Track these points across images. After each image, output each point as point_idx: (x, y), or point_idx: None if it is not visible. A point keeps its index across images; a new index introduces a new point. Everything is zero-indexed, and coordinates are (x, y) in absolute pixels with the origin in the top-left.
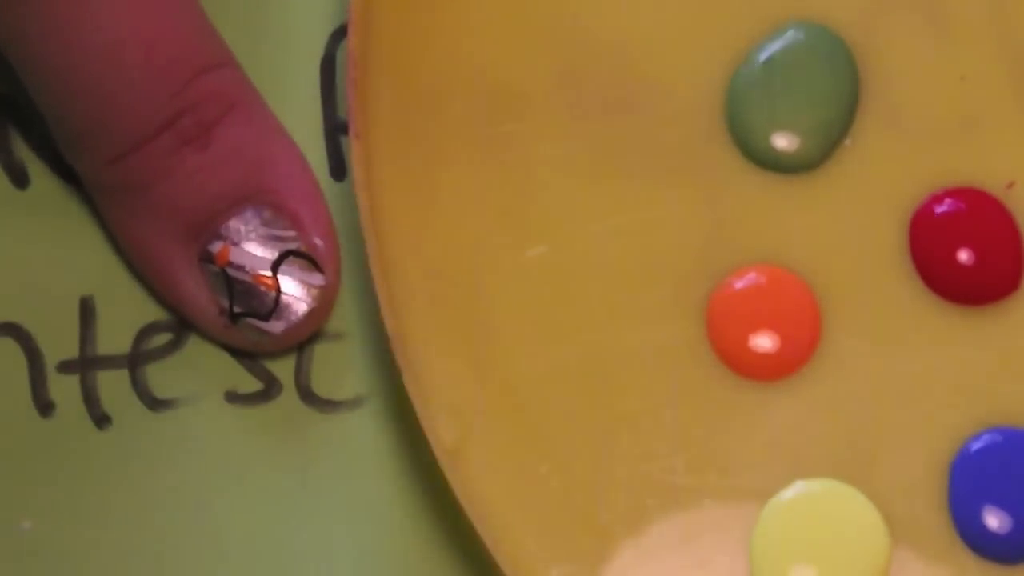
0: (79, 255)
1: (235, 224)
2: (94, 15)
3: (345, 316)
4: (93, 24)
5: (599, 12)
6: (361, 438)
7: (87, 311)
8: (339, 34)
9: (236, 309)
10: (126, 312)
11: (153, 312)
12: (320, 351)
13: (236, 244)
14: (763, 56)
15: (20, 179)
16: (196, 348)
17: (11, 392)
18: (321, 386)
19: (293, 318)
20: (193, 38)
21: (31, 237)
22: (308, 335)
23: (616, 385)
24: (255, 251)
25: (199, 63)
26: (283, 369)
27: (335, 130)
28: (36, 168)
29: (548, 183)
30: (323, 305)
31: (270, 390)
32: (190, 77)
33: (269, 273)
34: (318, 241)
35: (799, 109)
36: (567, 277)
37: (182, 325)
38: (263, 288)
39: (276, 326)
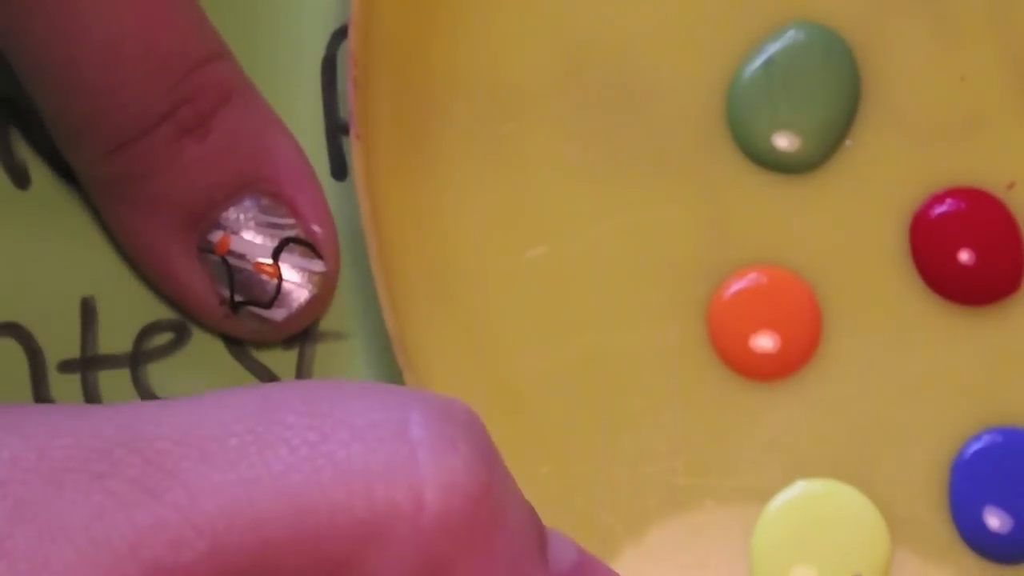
0: (80, 255)
1: (233, 213)
2: (94, 8)
3: (345, 316)
4: (93, 17)
5: (599, 12)
6: None
7: (88, 311)
8: (340, 34)
9: (237, 298)
10: (127, 312)
11: (154, 311)
12: (321, 351)
13: (235, 233)
14: (764, 56)
15: (21, 179)
16: (197, 348)
17: (12, 392)
18: None
19: (295, 305)
20: (191, 30)
21: (32, 237)
22: (309, 322)
23: (616, 385)
24: (254, 239)
25: (197, 55)
26: (284, 369)
27: (336, 130)
28: (37, 168)
29: (548, 183)
30: (324, 292)
31: None
32: (189, 68)
33: (270, 261)
34: (316, 228)
35: (800, 109)
36: (567, 278)
37: (183, 324)
38: (264, 276)
39: (278, 314)
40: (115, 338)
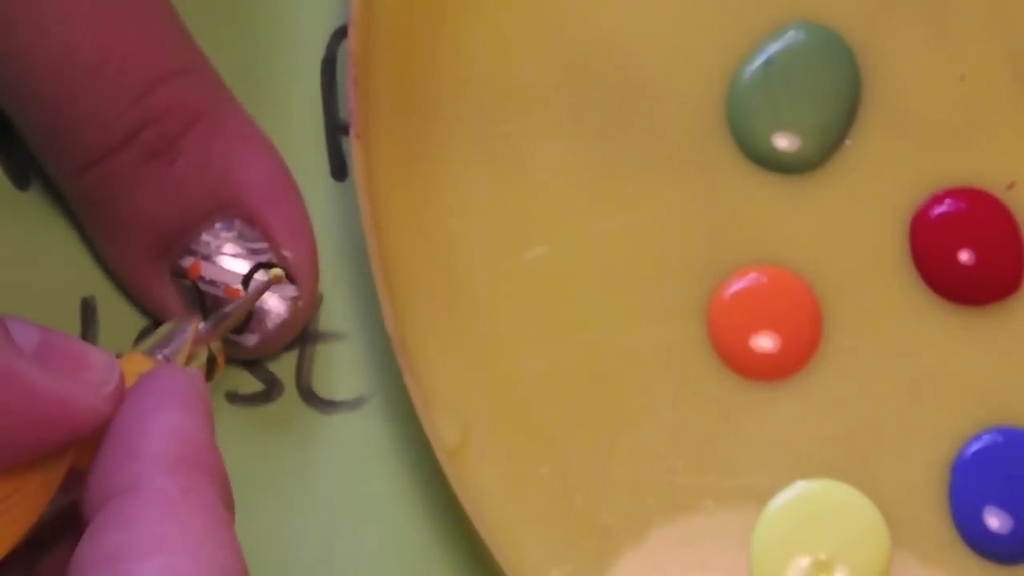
0: (80, 255)
1: (205, 238)
2: (45, 16)
3: (345, 316)
4: (43, 26)
5: (600, 12)
6: (361, 438)
7: (88, 311)
8: (340, 34)
9: None
10: (127, 312)
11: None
12: (321, 351)
13: (207, 258)
14: (764, 56)
15: (21, 180)
16: None
17: None
18: (322, 386)
19: (266, 331)
20: (153, 43)
21: (32, 238)
22: (284, 344)
23: (616, 385)
24: (226, 265)
25: (160, 69)
26: (284, 370)
27: (336, 130)
28: (37, 169)
29: (548, 183)
30: (296, 316)
31: (271, 391)
32: (151, 85)
33: (240, 287)
34: (288, 253)
35: (800, 109)
36: (567, 277)
37: None
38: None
39: (249, 339)
40: (115, 339)
